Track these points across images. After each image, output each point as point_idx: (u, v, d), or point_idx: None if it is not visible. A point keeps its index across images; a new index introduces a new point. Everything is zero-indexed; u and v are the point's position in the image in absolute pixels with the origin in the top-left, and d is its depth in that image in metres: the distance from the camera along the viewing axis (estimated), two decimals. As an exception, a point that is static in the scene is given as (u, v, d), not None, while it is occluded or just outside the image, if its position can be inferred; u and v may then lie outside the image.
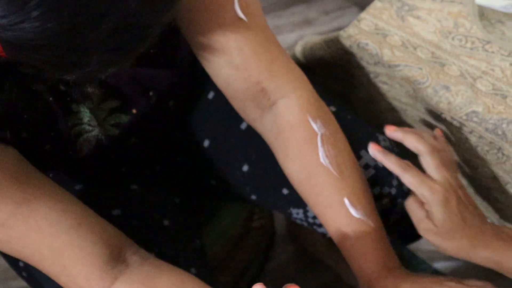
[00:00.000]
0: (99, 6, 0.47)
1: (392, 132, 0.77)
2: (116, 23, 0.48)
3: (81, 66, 0.51)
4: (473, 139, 0.84)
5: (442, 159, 0.73)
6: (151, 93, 0.81)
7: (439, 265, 1.36)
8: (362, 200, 0.76)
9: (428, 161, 0.72)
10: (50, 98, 0.71)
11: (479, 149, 0.84)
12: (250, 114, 0.81)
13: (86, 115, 0.76)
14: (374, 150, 0.76)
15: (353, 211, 0.75)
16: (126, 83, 0.77)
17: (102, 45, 0.50)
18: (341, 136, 0.79)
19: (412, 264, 1.35)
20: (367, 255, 0.75)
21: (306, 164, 0.77)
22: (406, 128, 0.76)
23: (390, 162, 0.74)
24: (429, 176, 0.71)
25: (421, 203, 0.71)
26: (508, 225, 0.93)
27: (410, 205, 0.73)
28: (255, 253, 1.30)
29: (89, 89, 0.72)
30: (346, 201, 0.75)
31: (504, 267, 0.70)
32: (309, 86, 0.80)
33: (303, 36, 1.66)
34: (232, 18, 0.73)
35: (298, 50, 1.05)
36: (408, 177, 0.71)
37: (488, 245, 0.69)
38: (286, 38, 1.67)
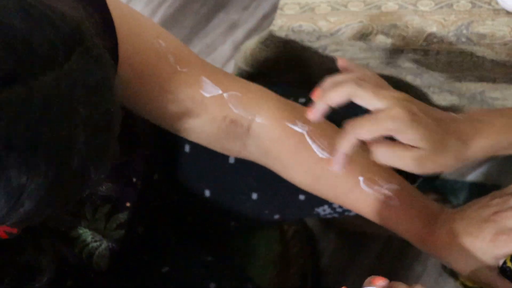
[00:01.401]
0: None
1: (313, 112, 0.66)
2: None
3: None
4: (443, 59, 0.82)
5: (372, 84, 0.63)
6: (134, 180, 0.79)
7: (471, 177, 1.35)
8: (376, 170, 0.74)
9: (361, 94, 0.62)
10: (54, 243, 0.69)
11: (453, 64, 0.83)
12: (233, 149, 0.79)
13: (87, 234, 0.74)
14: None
15: (370, 189, 0.73)
16: (107, 184, 0.75)
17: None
18: (325, 121, 0.77)
19: (448, 189, 1.34)
20: (407, 219, 0.73)
21: (308, 166, 0.75)
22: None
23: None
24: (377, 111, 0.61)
25: (389, 144, 0.61)
26: None
27: (381, 153, 0.61)
28: (304, 260, 1.28)
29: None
30: (361, 180, 0.73)
31: (503, 144, 0.63)
32: (270, 94, 0.78)
33: (236, 41, 1.64)
34: (170, 73, 0.71)
35: (240, 61, 1.03)
36: (359, 127, 0.61)
37: (475, 133, 0.62)
38: (222, 52, 1.65)
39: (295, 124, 0.75)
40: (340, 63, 0.69)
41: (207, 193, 0.93)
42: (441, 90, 0.93)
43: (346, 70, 0.68)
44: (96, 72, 0.49)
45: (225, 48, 1.66)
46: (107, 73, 0.51)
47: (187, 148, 0.93)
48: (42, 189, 0.45)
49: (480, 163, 1.34)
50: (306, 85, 1.02)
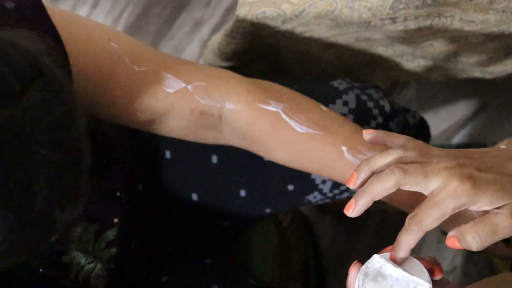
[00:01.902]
0: None
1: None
2: None
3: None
4: (411, 24, 0.81)
5: (416, 154, 0.56)
6: (118, 194, 0.77)
7: (456, 139, 1.34)
8: (359, 139, 0.72)
9: (411, 181, 0.54)
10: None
11: (423, 28, 0.81)
12: (209, 137, 0.77)
13: (79, 257, 0.72)
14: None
15: (354, 158, 0.71)
16: (91, 203, 0.73)
17: None
18: (300, 97, 0.76)
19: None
20: None
21: (288, 143, 0.73)
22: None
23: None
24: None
25: (472, 227, 0.52)
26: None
27: (472, 240, 0.53)
28: (304, 248, 1.27)
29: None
30: (345, 150, 0.71)
31: None
32: (238, 78, 0.76)
33: (203, 39, 1.62)
34: (128, 74, 0.69)
35: (209, 58, 1.01)
36: (425, 220, 0.53)
37: None
38: (190, 51, 1.63)
39: (268, 104, 0.73)
40: (368, 137, 0.61)
41: (194, 196, 0.91)
42: (414, 57, 0.92)
43: (376, 141, 0.61)
44: (57, 107, 0.46)
45: (193, 47, 1.63)
46: (70, 107, 0.48)
47: (167, 154, 0.91)
48: (1, 234, 0.43)
49: (463, 124, 1.34)
50: (279, 72, 1.00)
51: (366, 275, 0.54)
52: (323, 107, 0.75)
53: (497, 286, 0.65)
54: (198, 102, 0.72)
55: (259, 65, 0.98)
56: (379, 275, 0.54)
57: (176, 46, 1.65)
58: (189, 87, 0.71)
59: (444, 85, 1.34)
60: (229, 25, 0.90)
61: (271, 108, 0.72)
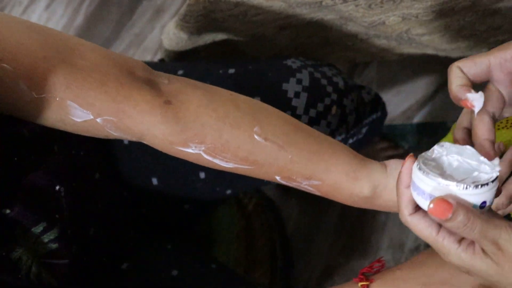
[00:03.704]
0: None
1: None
2: None
3: None
4: (362, 2, 0.81)
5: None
6: (57, 188, 0.72)
7: (417, 118, 1.36)
8: (296, 171, 0.67)
9: None
10: None
11: (373, 6, 0.82)
12: None
13: (23, 254, 0.68)
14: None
15: (289, 184, 0.68)
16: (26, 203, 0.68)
17: None
18: (229, 130, 0.65)
19: (397, 135, 1.34)
20: (342, 199, 0.68)
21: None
22: None
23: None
24: None
25: None
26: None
27: None
28: (270, 231, 1.27)
29: None
30: (278, 179, 0.67)
31: None
32: (153, 117, 0.63)
33: (165, 25, 1.60)
34: (27, 101, 0.60)
35: (166, 44, 1.00)
36: None
37: None
38: (153, 39, 1.62)
39: (187, 147, 0.65)
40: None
41: (154, 181, 0.91)
42: (368, 36, 0.93)
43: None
44: None
45: (155, 35, 1.62)
46: None
47: (125, 140, 0.90)
48: None
49: (423, 103, 1.36)
50: (235, 54, 1.00)
51: (425, 163, 0.50)
52: (256, 137, 0.65)
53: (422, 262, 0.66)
54: (110, 133, 0.64)
55: (215, 49, 0.98)
56: (437, 164, 0.51)
57: (138, 34, 1.64)
58: (98, 120, 0.62)
59: (403, 66, 1.35)
60: (182, 10, 0.89)
61: (190, 151, 0.66)
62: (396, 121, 1.35)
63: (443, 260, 0.64)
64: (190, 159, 0.67)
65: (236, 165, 0.66)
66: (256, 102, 0.68)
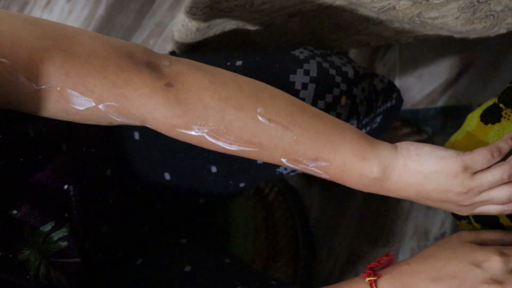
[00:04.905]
0: None
1: None
2: None
3: None
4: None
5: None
6: (65, 187, 0.72)
7: (442, 101, 1.32)
8: (300, 148, 0.66)
9: None
10: None
11: None
12: None
13: (32, 254, 0.69)
14: None
15: (296, 166, 0.67)
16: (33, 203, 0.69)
17: None
18: (232, 112, 0.64)
19: (421, 119, 1.31)
20: (350, 183, 0.67)
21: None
22: None
23: None
24: None
25: None
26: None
27: None
28: (292, 220, 1.26)
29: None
30: (284, 161, 0.66)
31: None
32: (155, 99, 0.63)
33: (175, 17, 1.60)
34: (28, 93, 0.60)
35: (176, 36, 0.99)
36: None
37: None
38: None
39: (190, 129, 0.64)
40: None
41: (167, 176, 0.91)
42: (380, 21, 0.90)
43: None
44: None
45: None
46: None
47: (136, 135, 0.90)
48: None
49: (447, 86, 1.32)
50: (246, 44, 0.98)
51: None
52: (260, 118, 0.64)
53: (451, 246, 0.65)
54: (113, 119, 0.64)
55: (225, 39, 0.97)
56: None
57: (158, 23, 1.63)
58: (100, 106, 0.62)
59: (426, 48, 1.31)
60: (188, 1, 0.88)
61: (193, 133, 0.65)
62: (419, 106, 1.31)
63: (453, 253, 0.63)
64: (194, 142, 0.66)
65: (240, 147, 0.65)
66: (259, 83, 0.67)
